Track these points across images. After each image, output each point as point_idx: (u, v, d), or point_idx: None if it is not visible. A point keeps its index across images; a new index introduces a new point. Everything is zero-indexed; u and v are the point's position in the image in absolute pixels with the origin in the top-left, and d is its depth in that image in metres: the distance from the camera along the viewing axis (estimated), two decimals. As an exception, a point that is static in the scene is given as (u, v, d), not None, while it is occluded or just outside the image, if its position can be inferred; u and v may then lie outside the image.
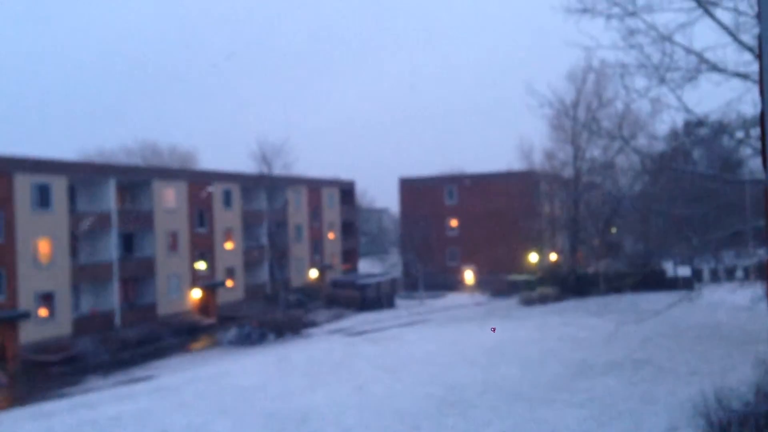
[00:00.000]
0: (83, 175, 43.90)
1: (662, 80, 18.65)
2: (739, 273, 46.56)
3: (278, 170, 54.95)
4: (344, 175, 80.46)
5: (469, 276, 69.54)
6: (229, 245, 55.38)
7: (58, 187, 40.70)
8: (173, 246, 49.43)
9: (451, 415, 20.49)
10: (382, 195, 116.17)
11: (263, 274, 59.11)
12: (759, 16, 2.49)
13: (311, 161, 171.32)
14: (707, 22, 17.73)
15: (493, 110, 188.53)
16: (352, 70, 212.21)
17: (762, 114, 2.65)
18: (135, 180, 48.04)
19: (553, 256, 65.75)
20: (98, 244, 44.53)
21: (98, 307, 43.78)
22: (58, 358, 37.62)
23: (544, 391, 22.83)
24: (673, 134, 31.75)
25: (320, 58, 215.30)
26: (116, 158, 78.90)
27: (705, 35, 18.09)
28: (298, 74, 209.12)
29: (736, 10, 17.35)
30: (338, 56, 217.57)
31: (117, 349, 40.79)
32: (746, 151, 27.28)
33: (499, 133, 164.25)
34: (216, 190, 54.02)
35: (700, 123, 21.63)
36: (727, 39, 17.64)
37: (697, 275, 53.15)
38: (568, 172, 58.21)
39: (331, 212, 70.96)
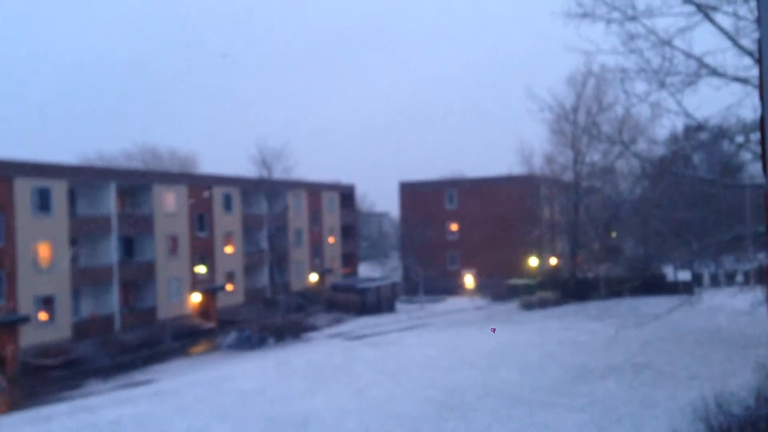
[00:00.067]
0: (83, 179, 43.91)
1: (662, 85, 18.70)
2: (739, 277, 46.59)
3: (278, 174, 55.00)
4: (344, 178, 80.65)
5: (469, 280, 69.52)
6: (229, 249, 55.39)
7: (59, 191, 40.72)
8: (173, 250, 49.44)
9: (451, 419, 20.47)
10: (382, 199, 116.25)
11: (263, 278, 59.10)
12: (759, 21, 2.50)
13: (311, 165, 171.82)
14: (707, 26, 17.78)
15: (493, 114, 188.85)
16: (352, 74, 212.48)
17: (762, 118, 2.67)
18: (135, 184, 48.05)
19: (553, 260, 65.73)
20: (98, 248, 44.54)
21: (98, 310, 43.76)
22: (57, 362, 37.59)
23: (544, 395, 22.81)
24: (673, 138, 31.82)
25: (320, 62, 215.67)
26: (116, 162, 78.93)
27: (705, 40, 18.14)
28: (298, 78, 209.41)
29: (735, 15, 17.40)
30: (338, 61, 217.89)
31: (117, 352, 40.80)
32: (746, 156, 27.30)
33: (499, 137, 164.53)
34: (216, 193, 54.05)
35: (700, 127, 21.68)
36: (727, 43, 17.69)
37: (697, 279, 53.13)
38: (568, 177, 58.25)
39: (331, 216, 70.97)
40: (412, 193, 73.74)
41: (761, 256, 34.32)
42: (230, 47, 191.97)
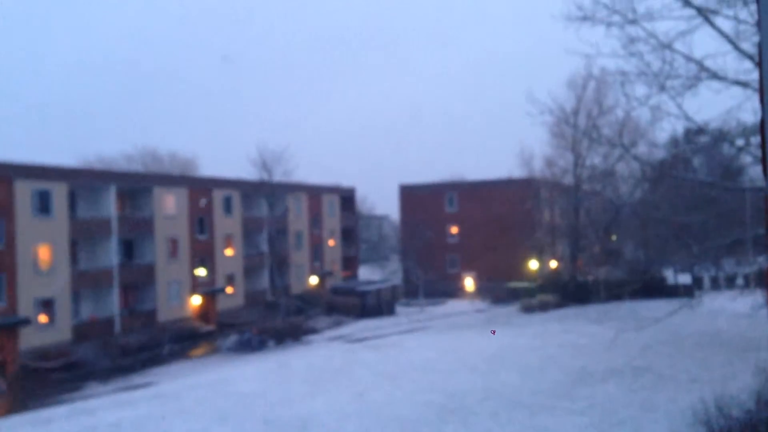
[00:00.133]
0: (84, 182, 43.94)
1: (662, 88, 18.70)
2: (740, 281, 46.50)
3: (278, 177, 55.03)
4: (344, 181, 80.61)
5: (469, 283, 69.51)
6: (229, 252, 55.39)
7: (59, 193, 40.73)
8: (173, 252, 49.45)
9: (451, 423, 20.45)
10: (382, 202, 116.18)
11: (263, 281, 59.09)
12: (759, 24, 2.51)
13: (311, 168, 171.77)
14: (707, 30, 17.79)
15: (493, 117, 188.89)
16: (352, 77, 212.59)
17: (762, 122, 2.67)
18: (135, 186, 48.07)
19: (553, 264, 65.71)
20: (98, 251, 44.54)
21: (98, 313, 43.75)
22: (57, 365, 37.57)
23: (544, 398, 22.80)
24: (674, 142, 31.85)
25: (320, 65, 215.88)
26: (116, 164, 78.96)
27: (705, 43, 18.16)
28: (297, 80, 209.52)
29: (736, 19, 17.41)
30: (338, 64, 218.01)
31: (117, 355, 40.79)
32: (746, 159, 27.33)
33: (499, 140, 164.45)
34: (216, 196, 54.09)
35: (701, 131, 21.68)
36: (727, 47, 17.70)
37: (697, 283, 53.11)
38: (568, 180, 58.27)
39: (332, 219, 70.99)
40: (412, 195, 73.75)
41: (761, 259, 34.28)
42: (230, 49, 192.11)
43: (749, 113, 18.71)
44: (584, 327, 39.53)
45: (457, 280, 69.78)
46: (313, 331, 48.05)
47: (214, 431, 21.36)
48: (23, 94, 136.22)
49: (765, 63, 2.48)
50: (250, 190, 57.30)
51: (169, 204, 49.42)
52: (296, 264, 62.50)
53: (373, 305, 56.80)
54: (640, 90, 22.20)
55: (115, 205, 45.02)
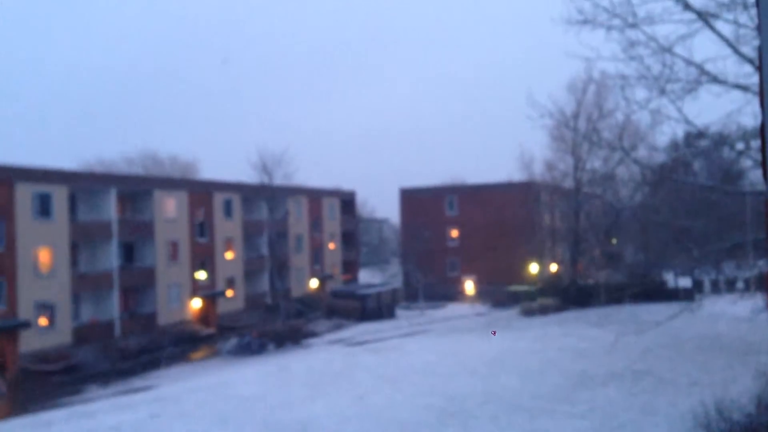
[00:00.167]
0: (84, 185, 43.98)
1: (662, 92, 18.72)
2: (740, 284, 46.46)
3: (279, 180, 55.08)
4: (345, 185, 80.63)
5: (469, 286, 69.49)
6: (229, 255, 55.40)
7: (59, 196, 40.76)
8: (174, 255, 49.46)
9: (451, 426, 20.44)
10: (382, 205, 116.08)
11: (263, 284, 59.10)
12: (759, 28, 2.52)
13: (312, 171, 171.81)
14: (707, 34, 17.81)
15: (493, 120, 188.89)
16: (352, 81, 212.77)
17: (762, 125, 2.68)
18: (136, 189, 48.11)
19: (553, 267, 65.68)
20: (99, 254, 44.55)
21: (98, 316, 43.76)
22: (57, 368, 37.57)
23: (544, 401, 22.78)
24: (674, 145, 31.86)
25: (320, 68, 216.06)
26: (117, 168, 79.02)
27: (705, 47, 18.16)
28: (298, 84, 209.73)
29: (736, 23, 17.43)
30: (338, 67, 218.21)
31: (117, 358, 40.78)
32: (747, 163, 27.29)
33: (499, 143, 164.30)
34: (217, 199, 54.13)
35: (701, 134, 21.71)
36: (728, 51, 17.72)
37: (697, 286, 53.05)
38: (568, 183, 58.25)
39: (332, 222, 71.01)
40: (412, 199, 73.77)
41: (762, 263, 34.27)
42: (231, 52, 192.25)
43: (749, 117, 18.75)
44: (584, 330, 39.49)
45: (458, 283, 69.78)
46: (314, 334, 48.04)
47: (214, 434, 21.34)
48: (24, 96, 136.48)
49: (765, 67, 2.49)
50: (251, 194, 57.33)
51: (170, 207, 49.45)
52: (296, 267, 62.50)
53: (374, 308, 56.78)
54: (640, 93, 22.20)
55: (116, 208, 45.05)
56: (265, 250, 58.53)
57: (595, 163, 55.79)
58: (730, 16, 17.46)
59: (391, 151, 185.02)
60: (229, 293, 54.70)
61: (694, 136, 25.48)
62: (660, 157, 34.19)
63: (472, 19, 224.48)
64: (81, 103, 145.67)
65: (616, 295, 48.15)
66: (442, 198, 72.55)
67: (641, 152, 37.46)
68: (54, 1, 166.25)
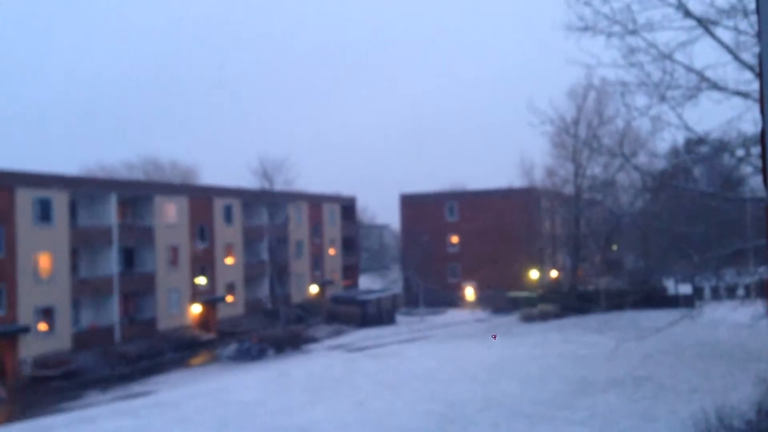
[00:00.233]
0: (84, 190, 43.98)
1: (663, 98, 18.72)
2: (740, 291, 46.45)
3: (279, 186, 55.08)
4: (345, 191, 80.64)
5: (469, 292, 69.45)
6: (229, 260, 55.39)
7: (60, 201, 40.76)
8: (174, 261, 49.44)
9: (451, 432, 20.42)
10: (383, 211, 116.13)
11: (264, 290, 59.06)
12: (759, 35, 2.53)
13: (312, 177, 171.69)
14: (707, 40, 17.83)
15: (494, 127, 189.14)
16: (353, 86, 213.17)
17: (762, 132, 2.69)
18: (136, 195, 48.11)
19: (553, 273, 65.68)
20: (99, 259, 44.55)
21: (98, 321, 43.71)
22: (57, 373, 37.52)
23: (544, 408, 22.76)
24: (674, 152, 31.85)
25: (322, 75, 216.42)
26: (117, 173, 79.10)
27: (705, 54, 18.19)
28: (299, 91, 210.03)
29: (736, 29, 17.45)
30: (339, 73, 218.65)
31: (117, 363, 40.73)
32: (747, 169, 27.33)
33: (500, 149, 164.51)
34: (217, 205, 54.17)
35: (701, 141, 21.69)
36: (728, 57, 17.73)
37: (698, 293, 53.02)
38: (568, 189, 58.31)
39: (332, 228, 71.00)
40: (412, 205, 73.78)
41: (762, 269, 34.27)
42: (232, 58, 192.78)
43: (750, 123, 18.76)
44: (585, 337, 39.49)
45: (458, 289, 69.73)
46: (313, 339, 47.99)
47: (214, 440, 21.32)
48: (24, 102, 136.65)
49: (765, 73, 2.50)
50: (251, 199, 57.34)
51: (170, 212, 49.45)
52: (297, 273, 62.48)
53: (374, 314, 56.75)
54: (640, 100, 22.19)
55: (116, 213, 45.04)
56: (265, 256, 58.52)
57: (595, 169, 55.92)
58: (731, 23, 17.49)
59: (392, 157, 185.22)
60: (229, 298, 54.67)
61: (695, 142, 25.45)
62: (660, 164, 34.19)
63: (472, 25, 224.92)
64: (82, 108, 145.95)
65: (616, 302, 48.13)
66: (443, 204, 72.55)
67: (641, 159, 37.60)
68: (54, 7, 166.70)
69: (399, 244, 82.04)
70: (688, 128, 18.95)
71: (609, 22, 18.53)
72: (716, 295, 52.81)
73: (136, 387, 35.72)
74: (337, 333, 52.26)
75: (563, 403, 23.38)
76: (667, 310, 43.44)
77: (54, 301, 39.92)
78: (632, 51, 18.78)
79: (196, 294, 51.03)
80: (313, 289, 65.09)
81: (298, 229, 63.93)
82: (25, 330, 37.59)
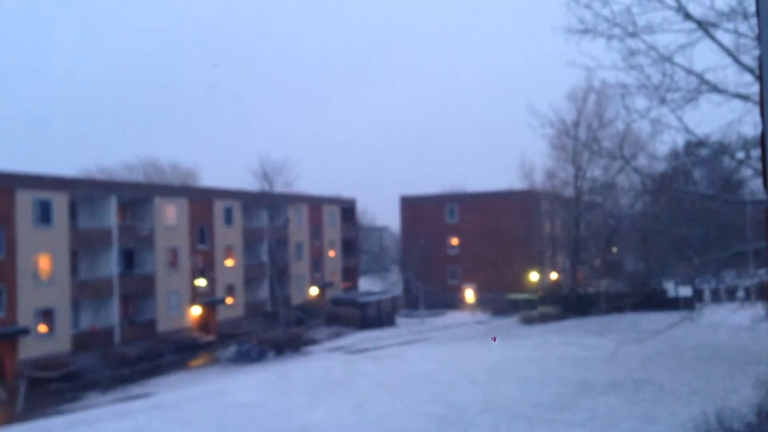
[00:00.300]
0: (84, 192, 43.97)
1: (663, 101, 18.74)
2: (740, 293, 46.46)
3: (279, 188, 55.05)
4: (345, 193, 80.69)
5: (469, 294, 69.43)
6: (229, 262, 55.38)
7: (60, 203, 40.77)
8: (174, 263, 49.43)
9: (451, 434, 20.40)
10: (383, 213, 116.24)
11: (263, 292, 59.06)
12: (759, 38, 2.53)
13: (313, 179, 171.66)
14: (707, 43, 17.85)
15: (494, 129, 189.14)
16: (354, 88, 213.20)
17: (762, 135, 2.68)
18: (136, 197, 48.12)
19: (553, 276, 65.66)
20: (99, 261, 44.54)
21: (98, 323, 43.70)
22: (57, 375, 37.49)
23: (544, 410, 22.75)
24: (674, 154, 31.86)
25: (322, 77, 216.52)
26: (117, 175, 79.12)
27: (705, 56, 18.20)
28: (299, 93, 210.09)
29: (736, 32, 17.47)
30: (340, 75, 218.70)
31: (116, 365, 40.72)
32: (747, 172, 27.32)
33: (500, 151, 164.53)
34: (217, 207, 54.18)
35: (701, 143, 21.73)
36: (728, 60, 17.75)
37: (698, 295, 53.05)
38: (568, 192, 58.30)
39: (332, 230, 71.00)
40: (412, 207, 73.79)
41: (762, 272, 34.30)
42: (232, 59, 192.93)
43: (750, 126, 18.78)
44: (585, 339, 39.47)
45: (458, 291, 69.73)
46: (313, 341, 47.97)
47: (214, 442, 21.31)
48: (24, 103, 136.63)
49: (765, 76, 2.50)
50: (251, 201, 57.33)
51: (170, 214, 49.45)
52: (296, 275, 62.47)
53: (374, 316, 56.74)
54: (640, 103, 22.21)
55: (116, 215, 45.05)
56: (265, 258, 58.51)
57: (595, 171, 55.90)
58: (731, 26, 17.51)
59: (392, 159, 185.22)
60: (229, 300, 54.66)
61: (695, 145, 25.50)
62: (660, 166, 34.23)
63: (472, 27, 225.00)
64: (81, 109, 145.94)
65: (616, 304, 48.09)
66: (443, 206, 72.56)
67: (641, 161, 37.57)
68: (54, 7, 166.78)
69: (399, 246, 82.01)
70: (688, 131, 18.97)
71: (609, 24, 18.56)
72: (716, 297, 52.84)
73: (135, 389, 35.70)
74: (337, 335, 52.24)
75: (563, 405, 23.36)
76: (667, 312, 43.39)
77: (54, 302, 39.91)
78: (632, 53, 18.80)
79: (196, 296, 51.03)
80: (313, 291, 65.08)
81: (298, 231, 63.92)
82: (25, 332, 37.58)
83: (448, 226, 71.59)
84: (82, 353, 40.49)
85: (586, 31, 18.85)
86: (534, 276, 63.27)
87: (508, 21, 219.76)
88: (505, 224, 63.98)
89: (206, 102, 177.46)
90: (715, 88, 18.27)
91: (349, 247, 74.56)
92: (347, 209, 74.62)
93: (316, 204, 67.84)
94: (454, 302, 67.97)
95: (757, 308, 28.80)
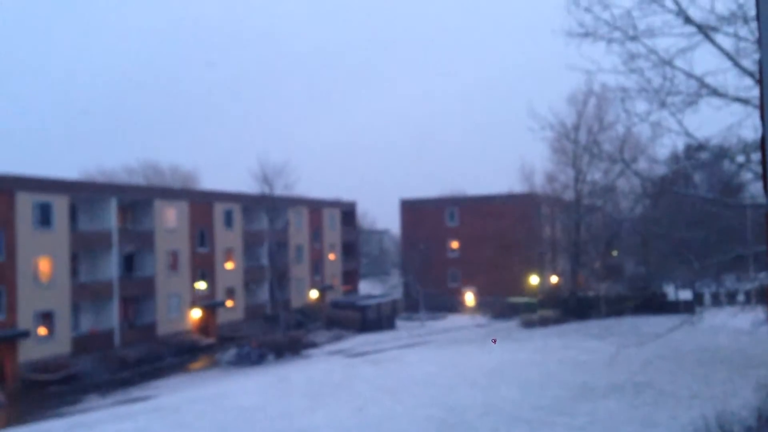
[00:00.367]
0: (85, 194, 44.00)
1: (663, 104, 18.76)
2: (741, 297, 46.46)
3: (279, 191, 55.05)
4: (345, 196, 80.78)
5: (469, 298, 69.40)
6: (229, 265, 55.38)
7: (60, 205, 40.79)
8: (174, 265, 49.43)
9: (451, 438, 20.36)
10: (383, 216, 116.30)
11: (263, 295, 59.05)
12: (759, 42, 2.54)
13: (313, 182, 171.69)
14: (708, 47, 17.87)
15: (494, 132, 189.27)
16: (354, 91, 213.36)
17: (763, 138, 2.69)
18: (136, 199, 48.15)
19: (553, 279, 65.63)
20: (99, 263, 44.54)
21: (98, 326, 43.70)
22: (57, 377, 37.49)
23: (544, 413, 22.71)
24: (674, 158, 31.90)
25: (323, 81, 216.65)
26: (118, 177, 79.15)
27: (705, 60, 18.22)
28: (300, 96, 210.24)
29: (736, 36, 17.49)
30: (339, 72, 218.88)
31: (116, 368, 40.71)
32: (747, 176, 27.39)
33: (500, 155, 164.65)
34: (217, 209, 54.21)
35: (701, 147, 21.73)
36: (728, 64, 17.77)
37: (698, 299, 53.01)
38: (569, 195, 58.28)
39: (332, 233, 71.00)
40: (412, 210, 73.81)
41: (762, 276, 34.29)
42: (232, 60, 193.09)
43: (750, 130, 18.77)
44: (585, 342, 39.42)
45: (458, 294, 69.69)
46: (313, 345, 47.94)
47: (214, 445, 21.28)
48: (24, 106, 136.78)
49: (765, 80, 2.50)
50: (251, 204, 57.35)
51: (170, 217, 49.47)
52: (296, 278, 62.46)
53: (374, 319, 56.73)
54: (640, 106, 22.25)
55: (116, 217, 45.07)
56: (265, 261, 58.51)
57: (595, 175, 55.87)
58: (731, 30, 17.53)
59: (392, 162, 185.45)
60: (229, 303, 54.65)
61: (695, 148, 25.51)
62: (660, 170, 34.20)
63: (472, 27, 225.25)
64: (82, 113, 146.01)
65: (616, 307, 48.16)
66: (443, 209, 72.59)
67: (642, 164, 37.51)
68: (54, 7, 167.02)
69: (399, 250, 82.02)
70: (688, 134, 18.99)
71: (609, 28, 18.59)
72: (716, 300, 52.81)
73: (135, 392, 35.67)
74: (337, 338, 52.21)
75: (563, 408, 23.33)
76: (667, 315, 43.39)
77: (54, 305, 39.92)
78: (633, 57, 18.84)
79: (196, 299, 51.03)
80: (313, 294, 65.06)
81: (298, 234, 63.93)
82: (25, 334, 37.58)
83: (448, 229, 71.60)
84: (82, 356, 40.48)
85: (586, 34, 18.87)
86: (534, 279, 63.26)
87: (508, 21, 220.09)
88: (506, 227, 63.95)
89: (206, 102, 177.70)
90: (715, 92, 18.29)
91: (349, 250, 74.56)
92: (347, 212, 74.64)
93: (316, 207, 67.86)
94: (454, 305, 67.96)
95: (758, 312, 28.79)
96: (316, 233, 67.34)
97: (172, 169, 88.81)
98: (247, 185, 56.11)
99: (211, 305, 52.03)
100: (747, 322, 29.91)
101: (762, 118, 2.59)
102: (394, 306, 60.95)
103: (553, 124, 47.26)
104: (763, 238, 20.55)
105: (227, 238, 55.21)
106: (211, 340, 49.95)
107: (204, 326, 51.29)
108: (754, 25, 16.20)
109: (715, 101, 18.39)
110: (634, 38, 18.48)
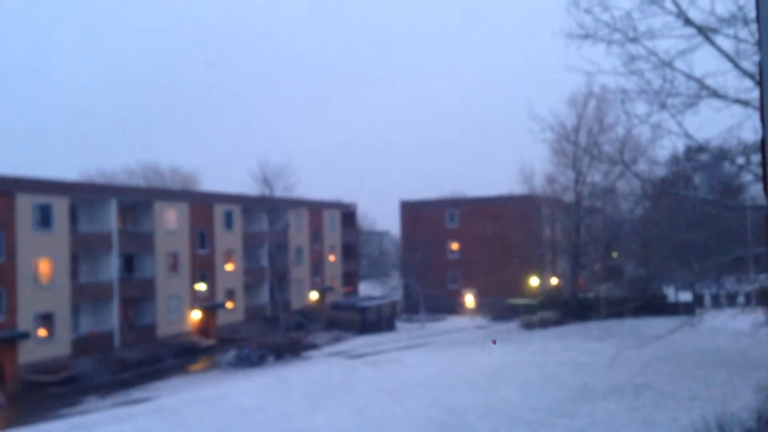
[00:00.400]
0: (85, 196, 44.00)
1: (663, 106, 18.78)
2: (741, 299, 46.44)
3: (279, 192, 55.01)
4: (345, 197, 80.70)
5: (469, 299, 69.40)
6: (229, 267, 55.37)
7: (60, 207, 40.78)
8: (174, 267, 49.42)
9: (451, 439, 20.35)
10: (383, 218, 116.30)
11: (263, 296, 59.03)
12: (759, 44, 2.54)
13: (313, 183, 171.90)
14: (708, 49, 17.88)
15: (494, 134, 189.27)
16: (354, 91, 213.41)
17: (763, 140, 2.69)
18: (136, 201, 48.15)
19: (553, 280, 65.64)
20: (99, 265, 44.53)
21: (98, 327, 43.68)
22: (57, 379, 37.47)
23: (544, 415, 22.71)
24: (674, 159, 31.92)
25: (323, 82, 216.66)
26: (118, 179, 79.13)
27: (705, 62, 18.24)
28: (300, 97, 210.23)
29: (736, 38, 17.51)
30: (340, 76, 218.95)
31: (116, 369, 40.68)
32: (747, 177, 27.35)
33: (500, 156, 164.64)
34: (217, 211, 54.19)
35: (701, 149, 21.74)
36: (728, 66, 17.78)
37: (698, 300, 53.02)
38: (569, 197, 58.31)
39: (332, 235, 70.98)
40: (413, 212, 73.81)
41: (762, 277, 34.27)
42: (232, 60, 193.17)
43: (750, 131, 18.80)
44: (585, 344, 39.42)
45: (458, 296, 69.68)
46: (313, 346, 47.93)
47: (214, 447, 21.27)
48: (24, 107, 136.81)
49: (765, 82, 2.51)
50: (251, 205, 57.33)
51: (170, 218, 49.46)
52: (297, 279, 62.44)
53: (374, 321, 56.72)
54: (640, 108, 22.28)
55: (116, 219, 45.07)
56: (265, 262, 58.49)
57: (595, 176, 55.92)
58: (731, 32, 17.55)
59: (392, 162, 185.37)
60: (229, 305, 54.63)
61: (695, 150, 25.51)
62: (660, 171, 34.25)
63: (472, 27, 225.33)
64: (82, 114, 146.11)
65: (616, 309, 48.11)
66: (443, 211, 72.59)
67: (642, 166, 37.57)
68: (54, 7, 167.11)
69: (399, 251, 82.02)
70: (688, 136, 19.00)
71: (609, 29, 18.61)
72: (716, 302, 52.77)
73: (135, 393, 35.65)
74: (337, 340, 52.19)
75: (563, 410, 23.32)
76: (667, 317, 43.40)
77: (54, 306, 39.90)
78: (633, 59, 18.85)
79: (196, 300, 51.02)
80: (313, 295, 65.03)
81: (298, 235, 63.92)
82: (25, 336, 37.55)
83: (448, 230, 71.60)
84: (81, 357, 40.46)
85: (586, 36, 18.89)
86: (534, 281, 63.26)
87: (508, 22, 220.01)
88: (506, 229, 63.98)
89: (206, 103, 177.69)
90: (715, 94, 18.30)
91: (349, 251, 74.53)
92: (347, 214, 74.61)
93: (316, 208, 67.85)
94: (454, 307, 67.96)
95: (758, 314, 28.78)
96: (316, 235, 67.33)
97: (172, 171, 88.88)
98: (247, 186, 56.13)
99: (211, 307, 52.01)
100: (747, 324, 29.90)
101: (762, 119, 2.59)
102: (394, 307, 60.96)
103: (553, 126, 47.20)
104: (764, 240, 20.55)
105: (227, 239, 55.20)
106: (211, 342, 49.93)
107: (204, 328, 51.27)
108: (754, 26, 16.21)
109: (716, 103, 18.42)
110: (634, 40, 18.50)
